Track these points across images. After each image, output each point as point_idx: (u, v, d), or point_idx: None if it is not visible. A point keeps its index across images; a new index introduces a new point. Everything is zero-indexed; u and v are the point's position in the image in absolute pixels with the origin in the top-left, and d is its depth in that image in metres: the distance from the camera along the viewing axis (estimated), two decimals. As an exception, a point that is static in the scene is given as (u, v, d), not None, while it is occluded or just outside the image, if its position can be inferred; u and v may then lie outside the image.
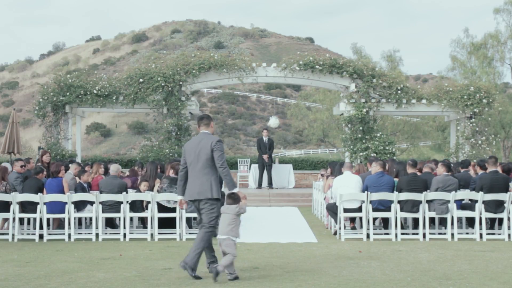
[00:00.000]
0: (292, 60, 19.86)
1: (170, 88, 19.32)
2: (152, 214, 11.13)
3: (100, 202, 11.09)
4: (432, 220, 11.53)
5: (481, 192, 10.89)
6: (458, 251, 9.59)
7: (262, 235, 11.41)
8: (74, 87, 19.34)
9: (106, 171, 13.06)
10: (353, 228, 11.80)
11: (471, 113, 19.71)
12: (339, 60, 20.24)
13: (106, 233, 11.33)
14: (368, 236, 10.93)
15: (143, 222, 12.15)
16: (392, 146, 19.69)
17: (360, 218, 11.41)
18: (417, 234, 11.05)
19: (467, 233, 11.42)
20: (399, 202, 10.96)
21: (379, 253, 9.32)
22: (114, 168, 11.78)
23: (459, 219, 11.54)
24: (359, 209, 11.06)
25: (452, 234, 10.93)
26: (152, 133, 20.87)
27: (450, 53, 39.51)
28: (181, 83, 19.42)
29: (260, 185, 20.45)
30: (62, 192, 11.19)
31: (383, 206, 11.03)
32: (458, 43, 39.25)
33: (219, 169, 7.46)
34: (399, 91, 19.67)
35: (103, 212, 11.10)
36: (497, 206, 10.96)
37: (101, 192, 11.37)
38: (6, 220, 11.55)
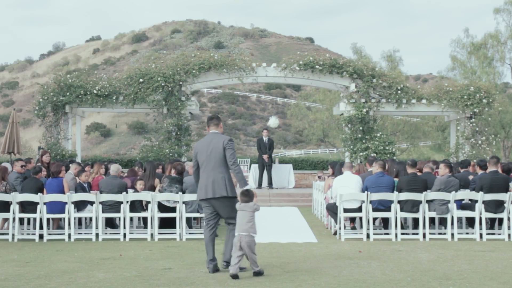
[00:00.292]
0: (292, 60, 19.86)
1: (170, 88, 19.32)
2: (152, 214, 11.13)
3: (100, 202, 11.09)
4: (432, 220, 11.52)
5: (481, 192, 10.89)
6: (458, 251, 9.59)
7: (262, 235, 11.34)
8: (74, 87, 19.35)
9: (107, 171, 13.06)
10: (353, 228, 11.80)
11: (471, 113, 19.71)
12: (339, 60, 20.24)
13: (106, 233, 11.33)
14: (368, 236, 10.93)
15: (143, 222, 12.15)
16: (392, 146, 19.69)
17: (360, 218, 11.40)
18: (417, 234, 11.05)
19: (467, 233, 11.41)
20: (399, 202, 10.96)
21: (379, 253, 9.31)
22: (114, 168, 11.79)
23: (459, 219, 11.54)
24: (359, 209, 11.06)
25: (452, 234, 10.93)
26: (152, 133, 20.87)
27: (450, 53, 39.59)
28: (181, 83, 19.42)
29: (260, 185, 20.45)
30: (63, 192, 11.19)
31: (383, 206, 11.03)
32: (458, 43, 39.28)
33: (231, 167, 7.67)
34: (399, 91, 19.68)
35: (103, 212, 11.10)
36: (497, 206, 10.96)
37: (101, 192, 11.37)
38: (6, 220, 11.55)
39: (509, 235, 10.92)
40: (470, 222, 11.55)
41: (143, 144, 21.06)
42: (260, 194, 19.26)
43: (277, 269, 7.92)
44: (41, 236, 10.99)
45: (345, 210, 11.05)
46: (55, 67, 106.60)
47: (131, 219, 11.77)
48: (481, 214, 10.93)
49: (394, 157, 18.29)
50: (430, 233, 11.07)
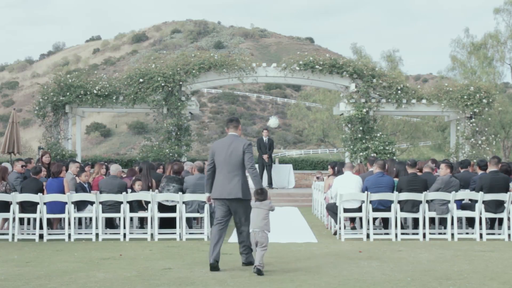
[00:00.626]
0: (292, 60, 19.86)
1: (170, 88, 19.32)
2: (152, 214, 11.13)
3: (100, 202, 11.09)
4: (432, 220, 11.52)
5: (481, 192, 10.89)
6: (458, 251, 9.59)
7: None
8: (74, 87, 19.34)
9: (108, 172, 13.05)
10: (353, 228, 11.80)
11: (471, 113, 19.71)
12: (339, 60, 20.24)
13: (106, 233, 11.33)
14: (368, 236, 10.93)
15: (140, 222, 12.14)
16: (392, 146, 19.69)
17: (360, 218, 11.40)
18: (417, 234, 11.04)
19: (467, 233, 11.41)
20: (399, 202, 10.96)
21: (379, 253, 9.31)
22: (114, 168, 11.79)
23: (459, 219, 11.53)
24: (359, 209, 11.06)
25: (452, 234, 10.92)
26: (152, 133, 20.87)
27: (450, 53, 39.57)
28: (181, 83, 19.42)
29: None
30: (63, 192, 11.18)
31: (383, 206, 11.03)
32: (458, 43, 39.27)
33: (250, 170, 8.01)
34: (399, 91, 19.67)
35: (103, 212, 11.10)
36: (497, 206, 10.96)
37: (101, 192, 11.36)
38: (6, 220, 11.55)
39: (509, 235, 10.92)
40: (470, 222, 11.55)
41: (143, 144, 21.06)
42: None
43: (277, 269, 7.92)
44: (41, 236, 10.98)
45: (345, 210, 11.05)
46: (55, 67, 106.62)
47: (131, 219, 11.77)
48: (481, 214, 10.93)
49: (394, 157, 18.29)
50: (430, 233, 11.07)
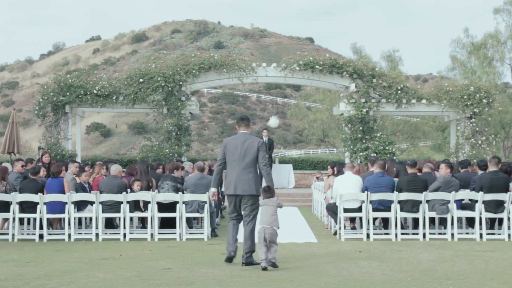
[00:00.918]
0: (292, 60, 19.85)
1: (170, 88, 19.31)
2: (152, 214, 11.13)
3: (100, 202, 11.09)
4: (432, 220, 11.52)
5: (481, 192, 10.89)
6: (458, 251, 9.59)
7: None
8: (74, 87, 19.33)
9: (108, 172, 13.04)
10: (353, 228, 11.80)
11: (471, 113, 19.70)
12: (339, 60, 20.23)
13: (106, 233, 11.33)
14: (368, 236, 10.93)
15: (142, 222, 12.15)
16: (392, 146, 19.68)
17: (360, 218, 11.40)
18: (417, 234, 11.05)
19: (467, 233, 11.41)
20: (399, 202, 10.96)
21: (379, 253, 9.32)
22: (114, 168, 11.79)
23: (459, 219, 11.53)
24: (359, 209, 11.06)
25: (452, 234, 10.93)
26: (152, 133, 20.86)
27: (450, 53, 39.53)
28: (181, 83, 19.41)
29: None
30: (63, 192, 11.18)
31: (383, 206, 11.03)
32: (458, 43, 39.25)
33: (263, 167, 8.32)
34: (399, 91, 19.67)
35: (103, 212, 11.10)
36: (497, 206, 10.96)
37: (101, 192, 11.36)
38: (6, 220, 11.55)
39: (509, 235, 10.92)
40: (470, 222, 11.55)
41: (143, 144, 21.05)
42: (260, 194, 19.24)
43: (277, 269, 7.92)
44: (41, 236, 10.98)
45: (345, 210, 11.05)
46: (55, 67, 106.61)
47: (131, 219, 11.77)
48: (481, 214, 10.93)
49: (394, 157, 18.29)
50: (430, 233, 11.07)
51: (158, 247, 10.08)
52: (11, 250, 9.88)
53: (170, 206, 11.30)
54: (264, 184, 8.56)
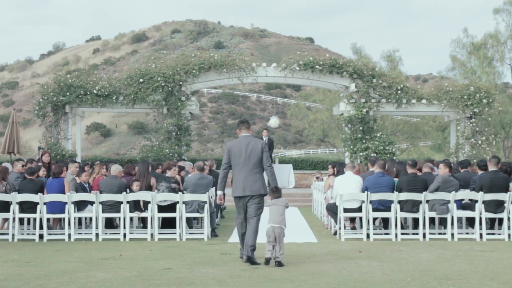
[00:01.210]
0: (292, 60, 19.86)
1: (170, 88, 19.32)
2: (152, 214, 11.13)
3: (100, 202, 11.09)
4: (432, 220, 11.52)
5: (481, 192, 10.88)
6: (458, 251, 9.59)
7: (262, 235, 11.38)
8: (74, 87, 19.34)
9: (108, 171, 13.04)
10: (353, 228, 11.80)
11: (471, 113, 19.71)
12: (339, 60, 20.24)
13: (106, 233, 11.33)
14: (368, 236, 10.93)
15: (143, 222, 12.14)
16: (392, 146, 19.69)
17: (360, 218, 11.40)
18: (417, 234, 11.04)
19: (467, 233, 11.41)
20: (399, 202, 10.96)
21: (379, 253, 9.32)
22: (114, 168, 11.79)
23: (459, 219, 11.53)
24: (359, 209, 11.05)
25: (452, 234, 10.92)
26: (152, 133, 20.87)
27: (450, 53, 39.54)
28: (181, 83, 19.42)
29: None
30: (63, 192, 11.18)
31: (383, 206, 11.03)
32: (458, 43, 39.25)
33: (268, 168, 8.56)
34: (399, 91, 19.67)
35: (103, 212, 11.10)
36: (497, 206, 10.96)
37: (101, 192, 11.36)
38: (6, 220, 11.55)
39: (509, 235, 10.92)
40: (471, 222, 11.54)
41: (143, 144, 21.06)
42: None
43: (277, 269, 7.92)
44: (41, 236, 10.98)
45: (345, 210, 11.04)
46: (55, 67, 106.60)
47: (131, 219, 11.76)
48: (481, 214, 10.92)
49: (394, 157, 18.29)
50: (430, 233, 11.07)
51: (158, 247, 10.08)
52: (11, 250, 9.88)
53: (168, 206, 11.29)
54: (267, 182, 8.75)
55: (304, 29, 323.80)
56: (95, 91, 19.37)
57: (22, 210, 11.12)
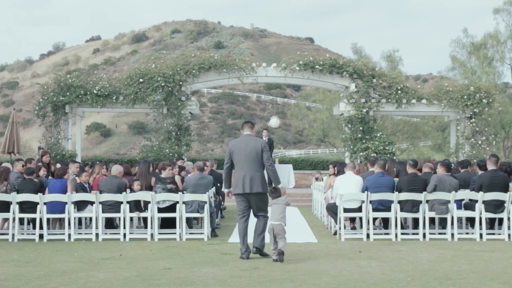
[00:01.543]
0: (292, 60, 19.86)
1: (170, 88, 19.32)
2: (152, 214, 11.12)
3: (100, 202, 11.08)
4: (432, 220, 11.52)
5: (481, 192, 10.88)
6: (458, 251, 9.59)
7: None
8: (74, 87, 19.35)
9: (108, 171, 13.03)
10: (353, 228, 11.80)
11: (471, 113, 19.71)
12: (339, 60, 20.25)
13: (106, 233, 11.32)
14: (368, 236, 10.93)
15: (145, 221, 12.13)
16: (392, 146, 19.69)
17: (360, 218, 11.40)
18: (417, 234, 11.04)
19: (467, 233, 11.41)
20: (399, 202, 10.95)
21: (379, 253, 9.31)
22: (115, 168, 11.79)
23: (459, 219, 11.53)
24: (359, 209, 11.05)
25: (452, 234, 10.92)
26: (152, 133, 20.90)
27: (450, 53, 39.53)
28: (181, 83, 19.42)
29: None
30: (65, 192, 11.18)
31: (383, 206, 11.02)
32: (458, 43, 39.25)
33: (269, 167, 8.79)
34: (399, 91, 19.67)
35: (103, 212, 11.10)
36: (497, 206, 10.95)
37: (100, 192, 11.36)
38: (6, 220, 11.54)
39: (509, 235, 10.91)
40: (472, 222, 11.53)
41: (143, 144, 21.07)
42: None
43: (277, 269, 7.92)
44: (41, 236, 10.98)
45: (345, 210, 11.04)
46: (55, 67, 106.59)
47: (131, 219, 11.76)
48: (481, 214, 10.92)
49: (394, 157, 18.29)
50: (430, 233, 11.06)
51: (158, 247, 10.08)
52: (11, 250, 9.88)
53: (169, 207, 11.29)
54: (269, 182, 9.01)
55: (304, 29, 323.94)
56: (95, 91, 19.37)
57: (22, 210, 11.12)
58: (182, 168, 13.17)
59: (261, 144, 8.81)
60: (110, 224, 11.87)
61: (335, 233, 11.51)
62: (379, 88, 19.75)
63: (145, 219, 11.69)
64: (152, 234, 11.09)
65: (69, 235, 10.99)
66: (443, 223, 11.56)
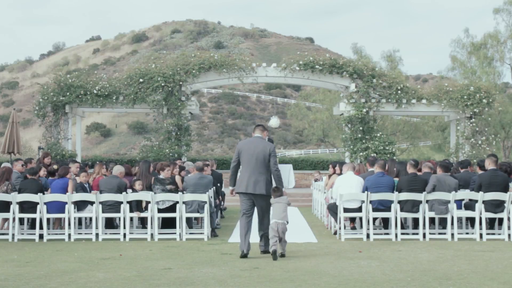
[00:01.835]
0: (292, 60, 19.87)
1: (170, 88, 19.33)
2: (152, 214, 11.12)
3: (100, 202, 11.08)
4: (432, 220, 11.52)
5: (481, 192, 10.88)
6: (458, 251, 9.59)
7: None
8: (74, 87, 19.35)
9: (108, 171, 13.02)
10: (353, 228, 11.79)
11: (471, 113, 19.71)
12: (339, 60, 20.26)
13: (106, 233, 11.32)
14: (368, 236, 10.93)
15: (142, 222, 12.13)
16: (392, 146, 19.70)
17: (360, 218, 11.40)
18: (417, 234, 11.04)
19: (467, 233, 11.41)
20: (399, 202, 10.95)
21: (379, 253, 9.31)
22: (116, 169, 11.79)
23: (459, 219, 11.53)
24: (359, 209, 11.05)
25: (452, 234, 10.92)
26: (152, 133, 20.89)
27: (450, 53, 39.55)
28: (181, 83, 19.43)
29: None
30: (66, 192, 11.18)
31: (383, 206, 11.02)
32: (458, 43, 39.25)
33: (275, 171, 8.99)
34: (399, 91, 19.68)
35: (103, 212, 11.10)
36: (497, 206, 10.95)
37: (100, 192, 11.36)
38: (6, 220, 11.54)
39: (509, 235, 10.91)
40: (472, 222, 11.53)
41: (143, 144, 21.07)
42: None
43: (277, 269, 7.92)
44: (41, 236, 10.98)
45: (345, 210, 11.04)
46: (55, 67, 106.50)
47: (131, 219, 11.76)
48: (481, 214, 10.92)
49: (394, 157, 18.29)
50: (430, 233, 11.06)
51: (158, 247, 10.08)
52: (11, 250, 9.87)
53: (169, 208, 11.29)
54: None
55: (304, 29, 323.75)
56: (95, 91, 19.38)
57: (22, 210, 11.12)
58: (182, 168, 13.17)
59: (269, 148, 9.01)
60: (110, 224, 11.87)
61: (335, 233, 11.51)
62: (379, 88, 19.76)
63: (143, 219, 11.68)
64: (152, 234, 11.09)
65: (69, 235, 10.99)
66: (443, 223, 11.56)
